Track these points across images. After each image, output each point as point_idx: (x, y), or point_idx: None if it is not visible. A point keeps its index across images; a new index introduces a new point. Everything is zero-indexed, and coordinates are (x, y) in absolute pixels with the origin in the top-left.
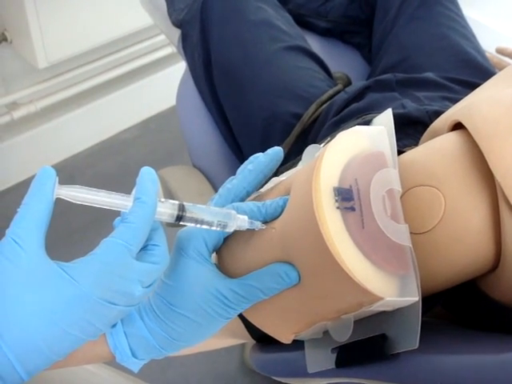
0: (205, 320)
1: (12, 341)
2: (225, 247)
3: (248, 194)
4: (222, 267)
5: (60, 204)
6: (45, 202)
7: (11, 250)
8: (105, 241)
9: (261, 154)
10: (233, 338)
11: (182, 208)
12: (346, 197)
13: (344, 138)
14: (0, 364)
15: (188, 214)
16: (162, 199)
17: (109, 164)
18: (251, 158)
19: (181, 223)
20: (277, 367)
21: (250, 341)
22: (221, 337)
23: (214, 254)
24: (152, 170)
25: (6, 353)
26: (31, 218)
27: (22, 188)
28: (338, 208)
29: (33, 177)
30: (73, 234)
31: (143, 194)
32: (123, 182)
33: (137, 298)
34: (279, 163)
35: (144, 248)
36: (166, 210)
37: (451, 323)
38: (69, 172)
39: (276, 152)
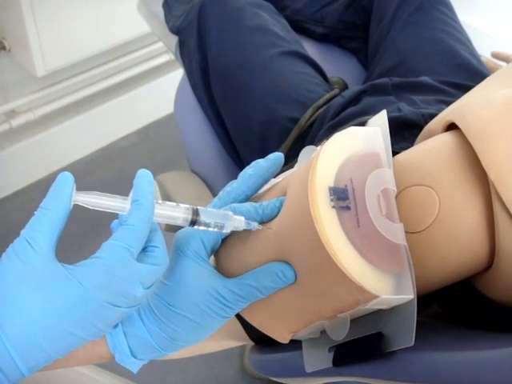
0: (203, 320)
1: (15, 337)
2: (222, 248)
3: (247, 198)
4: (219, 268)
5: None
6: (61, 207)
7: (23, 249)
8: (106, 244)
9: (262, 159)
10: (231, 340)
11: (196, 212)
12: (341, 196)
13: (339, 138)
14: (2, 359)
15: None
16: (160, 201)
17: (108, 171)
18: (252, 163)
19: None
20: (275, 367)
21: (248, 342)
22: (219, 339)
23: (212, 257)
24: (148, 172)
25: (8, 348)
26: (46, 222)
27: (21, 196)
28: (333, 207)
29: (32, 185)
30: (72, 240)
31: (140, 196)
32: (122, 190)
33: (138, 299)
34: (280, 168)
35: (144, 250)
36: (180, 214)
37: (447, 322)
38: None
39: (276, 157)
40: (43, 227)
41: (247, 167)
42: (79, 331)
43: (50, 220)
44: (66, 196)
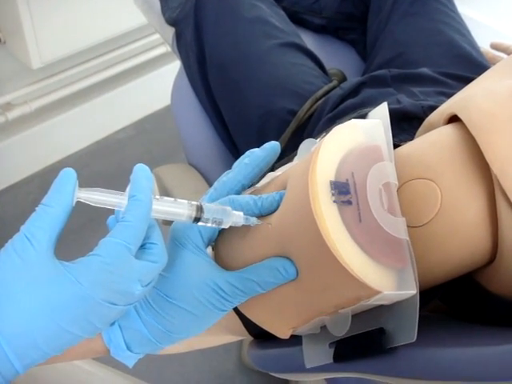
0: (200, 312)
1: (10, 334)
2: (221, 242)
3: (243, 188)
4: (218, 262)
5: None
6: (63, 204)
7: (22, 245)
8: (104, 241)
9: (258, 148)
10: (230, 334)
11: (200, 209)
12: (342, 190)
13: (340, 131)
14: None
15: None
16: (157, 196)
17: (104, 164)
18: (248, 152)
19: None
20: (275, 363)
21: (247, 337)
22: (218, 333)
23: (210, 250)
24: (146, 167)
25: (2, 346)
26: (47, 219)
27: (16, 189)
28: (334, 202)
29: (28, 178)
30: (70, 233)
31: (138, 192)
32: (119, 182)
33: (136, 297)
34: (276, 157)
35: (142, 246)
36: (183, 210)
37: (449, 317)
38: None
39: (272, 146)
40: (43, 224)
41: (243, 156)
42: (75, 329)
43: (50, 217)
44: (68, 193)
